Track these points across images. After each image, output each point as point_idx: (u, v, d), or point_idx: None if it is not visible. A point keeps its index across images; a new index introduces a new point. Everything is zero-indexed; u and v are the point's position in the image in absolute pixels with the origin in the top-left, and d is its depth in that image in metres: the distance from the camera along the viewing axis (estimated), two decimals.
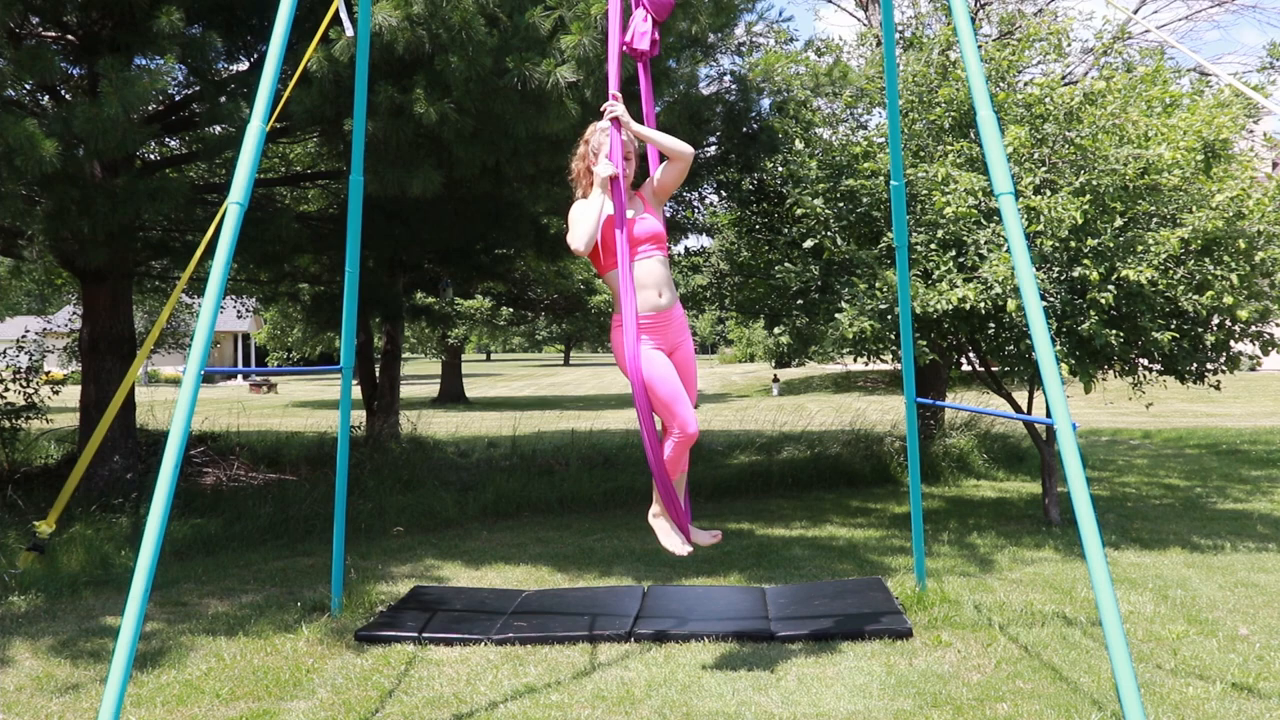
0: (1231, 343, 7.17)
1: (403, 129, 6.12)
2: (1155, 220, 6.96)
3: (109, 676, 2.99)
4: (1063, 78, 9.41)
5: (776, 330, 8.43)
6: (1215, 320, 7.08)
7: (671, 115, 7.48)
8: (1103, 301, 6.42)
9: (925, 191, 7.25)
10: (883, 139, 8.52)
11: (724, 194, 10.26)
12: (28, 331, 11.33)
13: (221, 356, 48.68)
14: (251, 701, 4.02)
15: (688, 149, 4.25)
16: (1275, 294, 7.12)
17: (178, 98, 7.73)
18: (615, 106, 4.20)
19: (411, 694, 4.11)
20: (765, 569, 6.48)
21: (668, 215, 10.73)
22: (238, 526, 7.40)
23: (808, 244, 7.86)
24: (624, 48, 4.44)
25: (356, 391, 13.17)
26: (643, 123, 4.44)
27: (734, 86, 9.00)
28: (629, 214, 4.18)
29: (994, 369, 7.98)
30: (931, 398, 10.85)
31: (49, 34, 6.93)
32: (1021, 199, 6.66)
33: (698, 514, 8.73)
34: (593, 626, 4.90)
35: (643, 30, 4.42)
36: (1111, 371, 7.37)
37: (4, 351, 11.10)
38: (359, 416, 12.41)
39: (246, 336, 47.56)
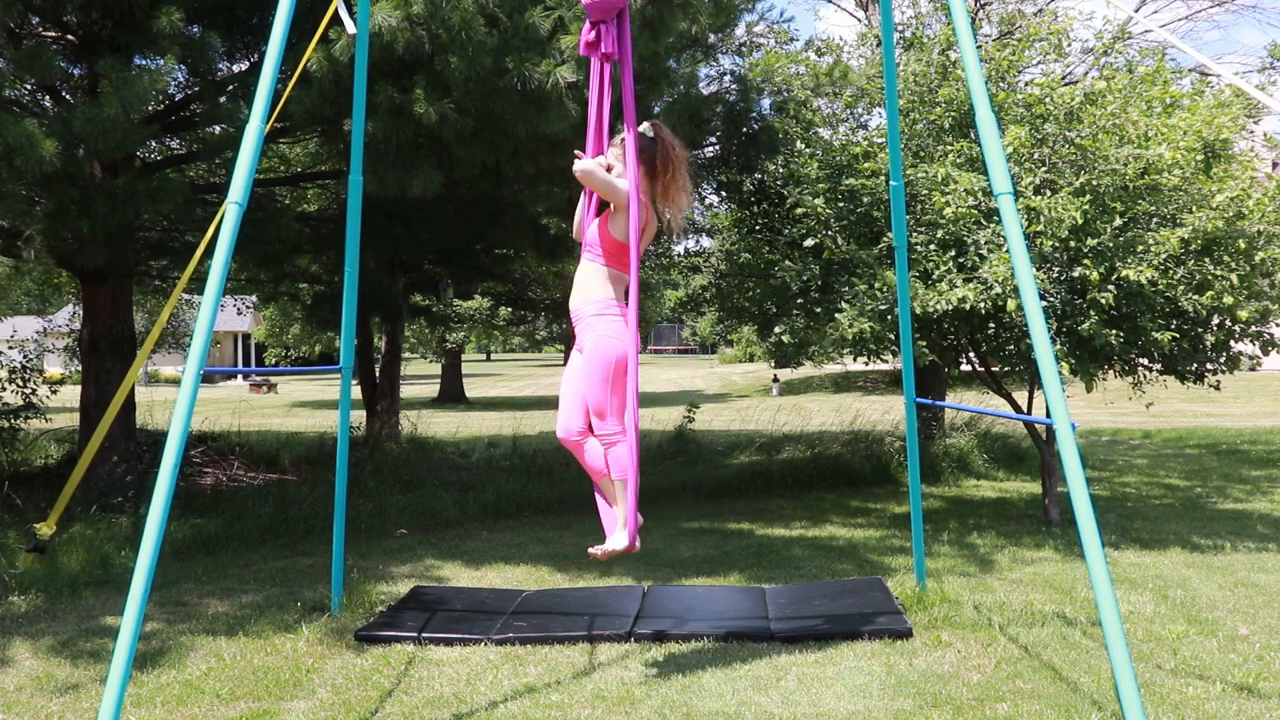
0: (1231, 343, 7.16)
1: (403, 129, 6.11)
2: (1155, 220, 6.96)
3: (109, 676, 2.99)
4: (1063, 78, 9.40)
5: (778, 329, 8.40)
6: (1215, 320, 7.07)
7: (672, 115, 7.48)
8: (1103, 301, 6.42)
9: (925, 191, 7.25)
10: (883, 139, 8.51)
11: (724, 194, 10.24)
12: (15, 331, 11.32)
13: (221, 356, 48.66)
14: (251, 701, 4.02)
15: (578, 173, 4.26)
16: (1275, 294, 7.11)
17: (178, 98, 7.73)
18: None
19: (411, 694, 4.11)
20: (765, 569, 6.48)
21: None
22: (238, 526, 7.40)
23: (808, 243, 7.86)
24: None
25: (356, 392, 13.17)
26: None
27: (734, 86, 8.99)
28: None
29: (994, 369, 7.98)
30: (931, 398, 10.85)
31: (49, 34, 6.93)
32: (1021, 199, 6.66)
33: (698, 514, 8.78)
34: (593, 626, 4.90)
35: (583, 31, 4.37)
36: (1111, 371, 7.37)
37: (0, 352, 11.09)
38: (359, 417, 12.41)
39: (246, 336, 47.55)
